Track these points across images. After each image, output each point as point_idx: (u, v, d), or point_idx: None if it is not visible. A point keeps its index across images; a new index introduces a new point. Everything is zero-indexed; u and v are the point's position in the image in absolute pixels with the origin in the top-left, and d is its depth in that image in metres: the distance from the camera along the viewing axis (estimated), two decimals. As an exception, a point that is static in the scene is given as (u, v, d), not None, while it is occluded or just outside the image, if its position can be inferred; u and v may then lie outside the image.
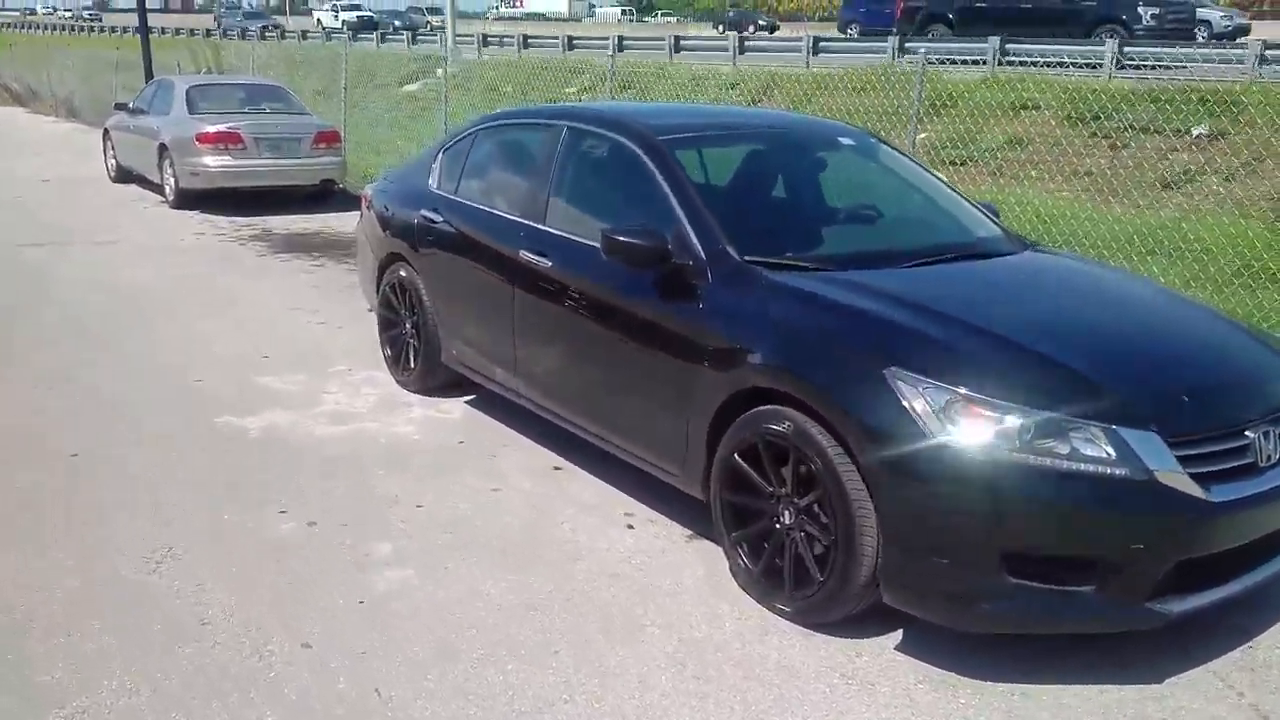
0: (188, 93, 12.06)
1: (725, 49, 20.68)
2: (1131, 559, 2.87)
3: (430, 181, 5.38)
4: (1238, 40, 19.94)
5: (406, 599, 3.50)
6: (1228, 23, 22.93)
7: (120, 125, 13.28)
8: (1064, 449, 2.85)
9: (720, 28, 45.36)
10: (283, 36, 34.87)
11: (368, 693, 2.98)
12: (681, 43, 22.33)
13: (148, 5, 19.50)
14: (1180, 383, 3.15)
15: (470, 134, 5.32)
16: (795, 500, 3.29)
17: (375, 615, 3.39)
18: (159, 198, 12.08)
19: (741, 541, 3.51)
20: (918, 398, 2.95)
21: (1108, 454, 2.85)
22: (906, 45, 17.56)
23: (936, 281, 3.67)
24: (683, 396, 3.65)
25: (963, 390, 2.93)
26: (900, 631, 3.30)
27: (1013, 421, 2.88)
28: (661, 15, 70.72)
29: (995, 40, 15.69)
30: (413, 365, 5.48)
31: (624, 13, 75.76)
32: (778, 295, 3.50)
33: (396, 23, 43.08)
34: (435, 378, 5.39)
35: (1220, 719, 2.93)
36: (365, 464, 4.62)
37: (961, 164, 11.04)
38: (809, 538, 3.26)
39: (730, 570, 3.63)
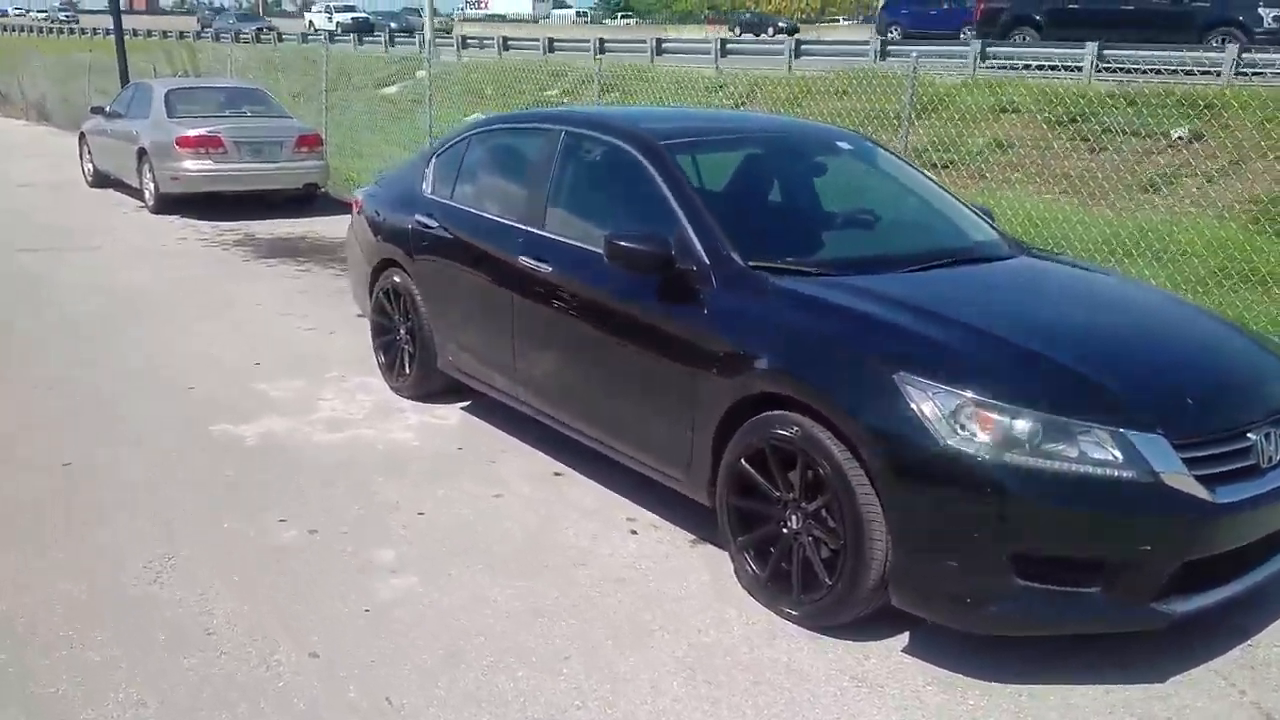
0: (166, 96, 11.95)
1: (708, 52, 20.73)
2: (1138, 560, 2.91)
3: (424, 186, 5.36)
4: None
5: (412, 606, 3.49)
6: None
7: (97, 129, 13.17)
8: (1072, 452, 2.88)
9: (738, 30, 44.05)
10: (279, 39, 34.30)
11: (379, 702, 2.97)
12: (663, 45, 22.37)
13: (99, 6, 19.32)
14: (1183, 386, 3.19)
15: (464, 139, 5.30)
16: (803, 505, 3.30)
17: (381, 623, 3.38)
18: (138, 202, 11.98)
19: (748, 546, 3.53)
20: (927, 402, 2.98)
21: (1115, 457, 2.88)
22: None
23: (940, 286, 3.70)
24: (687, 402, 3.66)
25: (972, 394, 2.96)
26: (906, 634, 3.33)
27: (1022, 425, 2.90)
28: (621, 17, 70.37)
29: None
30: (408, 371, 5.46)
31: (579, 14, 75.36)
32: (783, 300, 3.51)
33: (393, 24, 40.72)
34: (430, 384, 5.37)
35: (1224, 716, 2.97)
36: (364, 471, 4.60)
37: (944, 167, 11.12)
38: (817, 542, 3.28)
39: (735, 574, 3.64)
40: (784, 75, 17.17)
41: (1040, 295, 3.85)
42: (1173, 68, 13.19)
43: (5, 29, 49.99)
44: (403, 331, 5.45)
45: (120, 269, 8.70)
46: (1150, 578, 2.93)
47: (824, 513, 3.23)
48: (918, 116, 11.21)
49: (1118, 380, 3.10)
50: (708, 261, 3.71)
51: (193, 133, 11.12)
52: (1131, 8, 17.86)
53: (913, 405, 2.99)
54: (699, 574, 3.74)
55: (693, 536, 4.00)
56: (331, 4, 52.61)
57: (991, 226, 4.46)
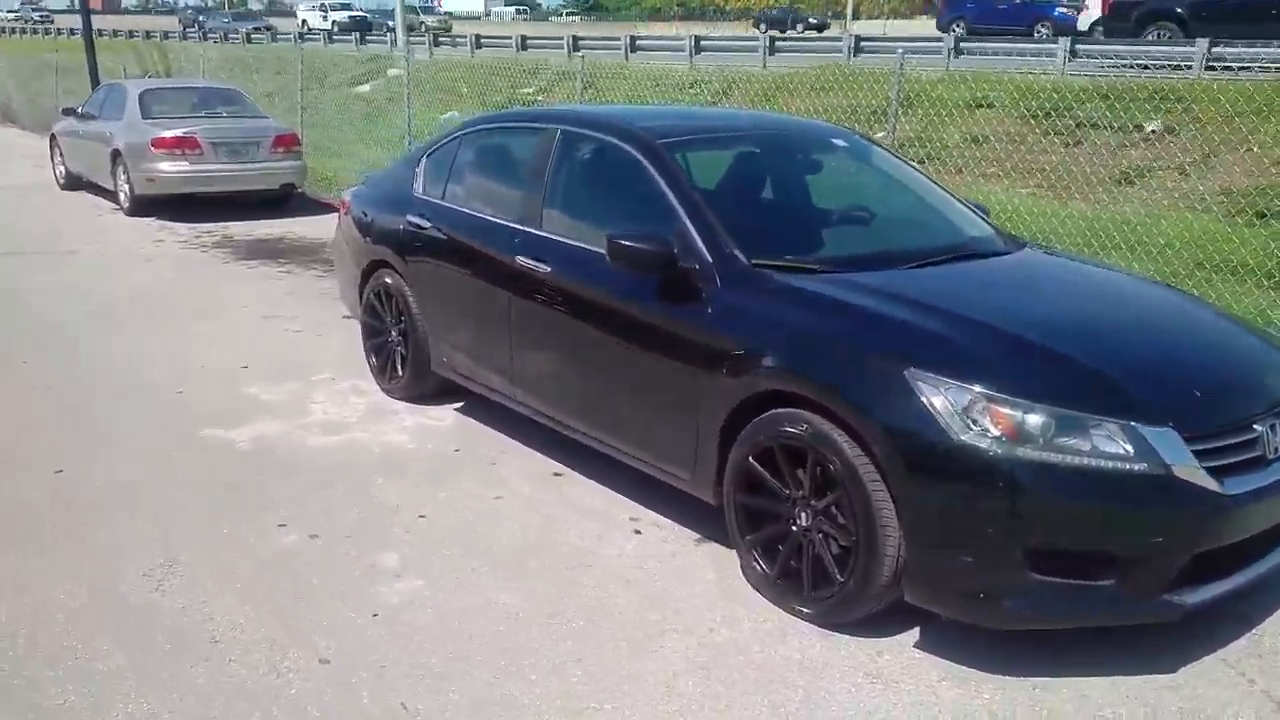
0: (141, 97, 11.81)
1: (682, 49, 20.75)
2: (1151, 552, 2.93)
3: (415, 187, 5.31)
4: None
5: (419, 610, 3.46)
6: None
7: (69, 131, 12.99)
8: (1085, 446, 2.89)
9: (762, 26, 40.90)
10: (274, 38, 33.66)
11: (394, 708, 2.94)
12: (637, 42, 22.37)
13: (56, 6, 19.11)
14: (1191, 379, 3.21)
15: (456, 138, 5.26)
16: (813, 502, 3.30)
17: (389, 628, 3.35)
18: (112, 205, 11.83)
19: (757, 544, 3.52)
20: (939, 398, 2.98)
21: (1127, 450, 2.90)
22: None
23: (945, 281, 3.71)
24: (692, 400, 3.65)
25: (985, 389, 2.97)
26: (917, 629, 3.34)
27: (1035, 420, 2.92)
28: (568, 15, 69.51)
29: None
30: (400, 373, 5.41)
31: (519, 12, 74.43)
32: (789, 298, 3.51)
33: (390, 23, 37.69)
34: (424, 385, 5.34)
35: (1235, 705, 3.00)
36: (362, 474, 4.56)
37: (921, 162, 11.17)
38: (827, 538, 3.28)
39: (743, 573, 3.64)
40: (759, 72, 17.19)
41: (1045, 290, 3.87)
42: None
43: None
44: (395, 333, 5.40)
45: (98, 273, 8.59)
46: (1163, 569, 2.95)
47: (834, 510, 3.23)
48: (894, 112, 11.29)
49: (1127, 374, 3.12)
50: (710, 260, 3.70)
51: (168, 134, 10.99)
52: None
53: (925, 401, 2.99)
54: (705, 573, 3.73)
55: (697, 535, 4.00)
56: (327, 1, 49.61)
57: (987, 223, 4.48)
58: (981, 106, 13.22)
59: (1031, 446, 2.89)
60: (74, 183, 13.03)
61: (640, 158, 4.09)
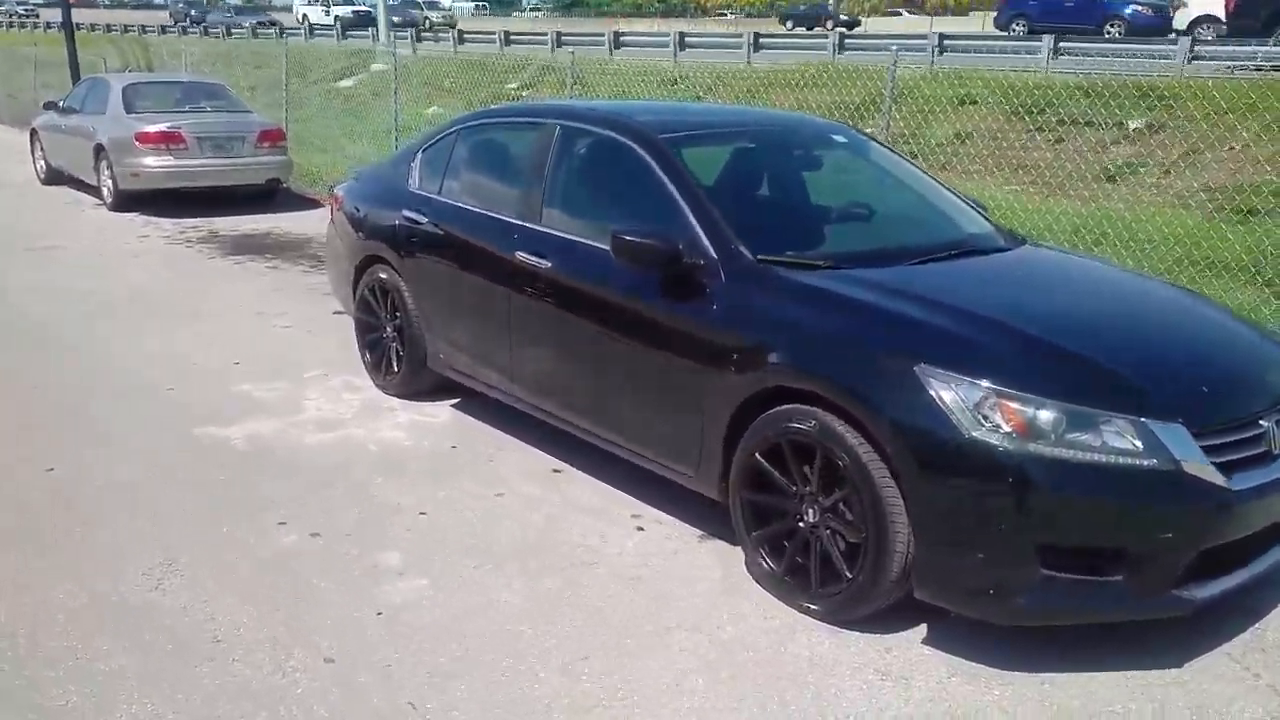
0: (124, 91, 11.69)
1: (666, 44, 20.73)
2: (1160, 547, 2.93)
3: (410, 182, 5.27)
4: None
5: (423, 609, 3.43)
6: None
7: (50, 125, 12.85)
8: (1095, 442, 2.90)
9: (789, 24, 40.53)
10: (280, 33, 33.19)
11: (402, 707, 2.91)
12: (621, 38, 22.34)
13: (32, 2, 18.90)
14: (1198, 375, 3.23)
15: (452, 132, 5.22)
16: (820, 498, 3.29)
17: (394, 627, 3.32)
18: (95, 200, 11.71)
19: (763, 541, 3.51)
20: (949, 394, 2.98)
21: (1137, 446, 2.90)
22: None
23: (950, 278, 3.70)
24: (696, 397, 3.64)
25: (996, 385, 2.96)
26: (924, 626, 3.33)
27: (1045, 415, 2.92)
28: (530, 10, 67.48)
29: None
30: (395, 370, 5.37)
31: (478, 7, 72.76)
32: (795, 294, 3.50)
33: (395, 18, 35.84)
34: (419, 382, 5.30)
35: (1241, 699, 3.02)
36: (360, 472, 4.52)
37: (910, 158, 11.19)
38: (835, 535, 3.27)
39: (748, 570, 3.63)
40: (744, 68, 17.20)
41: (1049, 286, 3.87)
42: None
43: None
44: (390, 329, 5.36)
45: (84, 269, 8.49)
46: (1171, 564, 2.96)
47: (842, 506, 3.23)
48: (877, 109, 11.31)
49: (1135, 370, 3.12)
50: (715, 256, 3.68)
51: (153, 128, 10.90)
52: None
53: (935, 397, 2.99)
54: (710, 569, 3.72)
55: (699, 531, 3.98)
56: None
57: (986, 219, 4.48)
58: (966, 104, 13.29)
59: (1043, 442, 2.89)
60: (55, 177, 12.90)
61: (643, 153, 4.06)
